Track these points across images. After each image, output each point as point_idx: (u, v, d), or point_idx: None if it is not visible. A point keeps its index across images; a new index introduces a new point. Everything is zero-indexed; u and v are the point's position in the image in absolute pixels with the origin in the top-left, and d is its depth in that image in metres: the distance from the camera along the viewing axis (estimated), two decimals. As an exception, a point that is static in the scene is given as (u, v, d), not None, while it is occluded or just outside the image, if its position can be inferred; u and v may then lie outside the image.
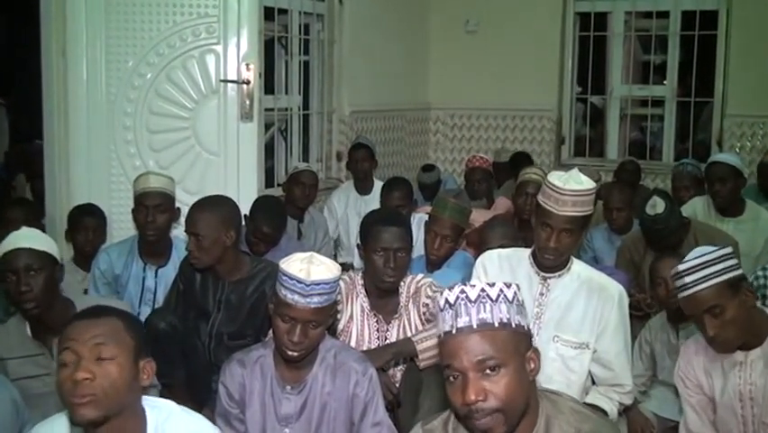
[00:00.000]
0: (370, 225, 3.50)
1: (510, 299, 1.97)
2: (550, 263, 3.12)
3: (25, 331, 3.23)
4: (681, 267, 2.82)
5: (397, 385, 3.34)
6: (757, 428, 2.88)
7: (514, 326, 1.95)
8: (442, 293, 2.00)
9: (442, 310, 1.98)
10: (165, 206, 4.29)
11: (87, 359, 2.03)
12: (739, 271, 2.83)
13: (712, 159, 5.28)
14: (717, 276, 2.77)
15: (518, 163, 6.76)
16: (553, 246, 3.04)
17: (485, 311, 1.93)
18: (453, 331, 1.93)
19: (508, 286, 1.99)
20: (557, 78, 7.89)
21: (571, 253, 3.21)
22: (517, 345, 1.95)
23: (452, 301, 1.96)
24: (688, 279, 2.79)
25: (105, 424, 2.06)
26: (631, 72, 8.13)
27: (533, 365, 1.99)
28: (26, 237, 3.22)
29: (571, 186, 3.00)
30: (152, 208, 4.24)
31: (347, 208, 6.15)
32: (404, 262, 3.42)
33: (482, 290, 1.96)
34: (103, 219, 4.77)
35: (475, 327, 1.92)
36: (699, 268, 2.78)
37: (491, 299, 1.94)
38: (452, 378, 1.94)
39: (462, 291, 1.96)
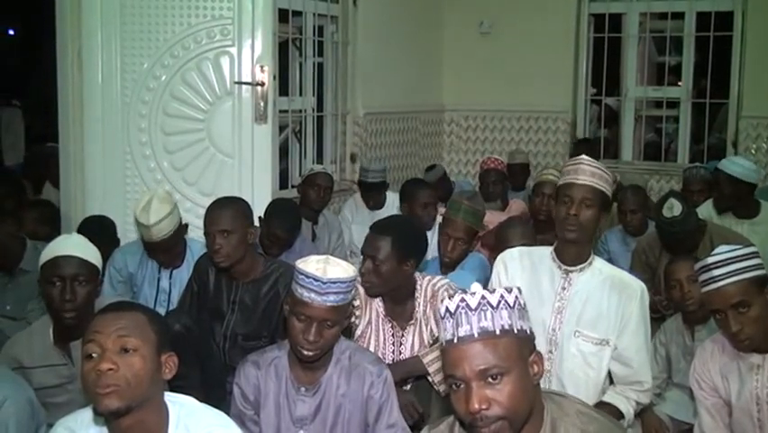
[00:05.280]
0: (369, 229, 3.49)
1: (511, 304, 1.96)
2: (573, 236, 3.09)
3: (48, 338, 3.22)
4: (711, 260, 2.83)
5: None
6: (773, 431, 2.87)
7: (516, 331, 1.94)
8: (442, 301, 2.00)
9: (443, 319, 1.97)
10: (172, 243, 4.25)
11: (111, 351, 2.09)
12: (764, 271, 2.85)
13: (717, 166, 5.28)
14: (745, 272, 2.79)
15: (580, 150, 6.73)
16: (573, 214, 3.05)
17: (486, 319, 1.92)
18: (455, 340, 1.93)
19: (509, 291, 1.98)
20: (571, 79, 7.87)
21: (590, 238, 3.21)
22: (520, 350, 1.95)
23: (452, 310, 1.95)
24: (716, 272, 2.80)
25: (127, 415, 2.10)
26: (646, 74, 8.09)
27: (536, 369, 1.98)
28: (78, 245, 3.20)
29: (588, 159, 3.12)
30: (160, 252, 4.25)
31: (358, 220, 6.12)
32: (380, 272, 3.35)
33: (483, 297, 1.95)
34: (109, 237, 4.66)
35: (476, 335, 1.91)
36: (729, 262, 2.79)
37: (492, 307, 1.94)
38: (454, 387, 1.94)
39: (463, 300, 1.95)
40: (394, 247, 3.33)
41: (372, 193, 6.08)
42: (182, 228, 4.32)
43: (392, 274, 3.37)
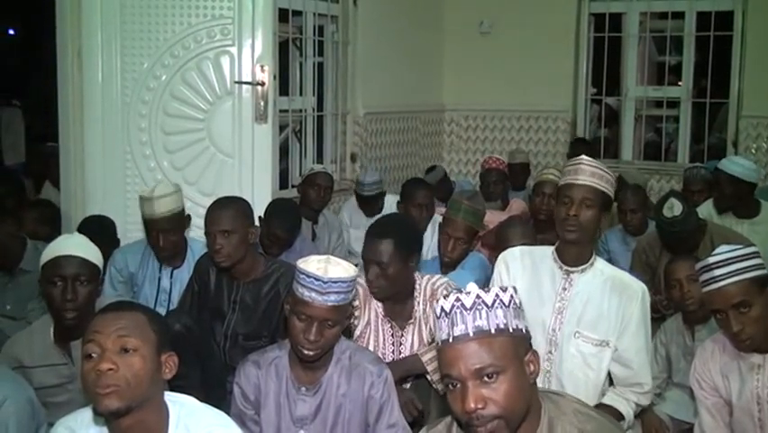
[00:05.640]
0: (366, 234, 3.44)
1: (507, 303, 1.96)
2: (573, 237, 3.09)
3: (48, 337, 3.21)
4: (712, 260, 2.82)
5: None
6: (774, 431, 2.87)
7: (511, 330, 1.94)
8: (438, 301, 1.99)
9: (438, 318, 1.97)
10: (174, 227, 4.24)
11: (111, 351, 2.09)
12: (765, 271, 2.84)
13: (717, 165, 5.28)
14: (746, 272, 2.78)
15: (577, 150, 6.72)
16: (573, 214, 3.04)
17: (481, 318, 1.92)
18: (450, 340, 1.93)
19: (504, 290, 1.98)
20: (572, 79, 7.87)
21: (591, 238, 3.20)
22: (516, 349, 1.94)
23: (447, 309, 1.95)
24: (717, 272, 2.79)
25: (127, 415, 2.10)
26: (646, 73, 8.09)
27: (532, 368, 1.98)
28: (79, 245, 3.20)
29: (588, 159, 3.11)
30: (162, 233, 4.21)
31: (356, 224, 6.09)
32: (387, 274, 3.32)
33: (477, 296, 1.95)
34: (109, 236, 4.64)
35: (471, 334, 1.91)
36: (730, 262, 2.79)
37: (487, 306, 1.93)
38: (450, 386, 1.94)
39: (458, 299, 1.95)
40: (397, 247, 3.32)
41: (369, 204, 6.07)
42: (184, 218, 4.33)
43: (399, 274, 3.35)
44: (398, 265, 3.33)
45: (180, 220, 4.29)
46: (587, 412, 2.11)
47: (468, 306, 1.93)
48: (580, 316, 3.14)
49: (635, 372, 3.15)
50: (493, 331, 1.92)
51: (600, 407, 3.02)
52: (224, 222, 3.64)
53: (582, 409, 2.12)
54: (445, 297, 1.98)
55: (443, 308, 1.96)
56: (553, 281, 3.19)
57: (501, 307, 1.94)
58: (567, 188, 3.09)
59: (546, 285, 3.19)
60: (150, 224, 4.24)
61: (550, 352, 3.13)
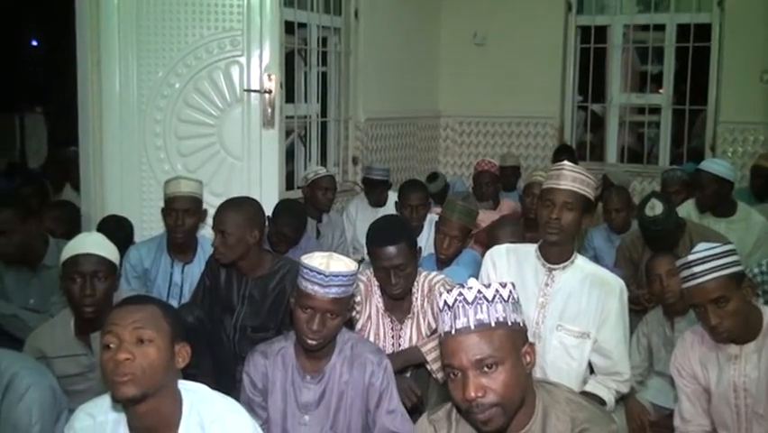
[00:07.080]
0: (369, 241, 3.41)
1: (506, 297, 1.97)
2: (554, 239, 3.09)
3: (69, 330, 3.22)
4: (691, 257, 2.82)
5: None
6: (750, 417, 2.87)
7: (510, 324, 1.95)
8: (441, 295, 2.00)
9: (441, 311, 1.98)
10: (193, 210, 4.31)
11: (128, 341, 2.10)
12: (741, 267, 2.85)
13: (699, 166, 5.28)
14: (724, 268, 2.78)
15: (561, 155, 6.72)
16: (555, 218, 3.04)
17: (482, 312, 1.93)
18: (452, 332, 1.94)
19: (504, 285, 1.99)
20: (559, 87, 7.88)
21: (572, 238, 3.20)
22: (514, 341, 1.96)
23: (450, 303, 1.96)
24: (697, 268, 2.79)
25: (143, 402, 2.11)
26: (629, 82, 8.11)
27: (529, 359, 2.00)
28: (96, 243, 3.20)
29: (570, 165, 3.11)
30: (182, 213, 4.27)
31: (362, 217, 6.08)
32: (406, 274, 3.33)
33: (479, 291, 1.96)
34: (125, 236, 4.66)
35: (473, 327, 1.92)
36: (709, 259, 2.79)
37: (488, 300, 1.95)
38: (452, 375, 1.95)
39: (460, 294, 1.96)
40: (409, 248, 3.33)
41: (376, 190, 6.08)
42: (201, 209, 4.37)
43: (414, 270, 3.39)
44: (413, 263, 3.37)
45: (198, 206, 4.35)
46: (578, 402, 2.13)
47: (470, 300, 1.94)
48: (562, 310, 3.15)
49: (614, 362, 3.16)
50: (493, 324, 1.93)
51: (583, 394, 3.03)
52: (223, 223, 3.65)
53: (574, 398, 2.14)
54: (448, 291, 1.99)
55: (446, 302, 1.97)
56: (537, 278, 3.20)
57: (501, 301, 1.96)
58: (549, 192, 3.09)
59: (530, 281, 3.20)
60: (171, 202, 4.29)
61: (534, 344, 3.13)
